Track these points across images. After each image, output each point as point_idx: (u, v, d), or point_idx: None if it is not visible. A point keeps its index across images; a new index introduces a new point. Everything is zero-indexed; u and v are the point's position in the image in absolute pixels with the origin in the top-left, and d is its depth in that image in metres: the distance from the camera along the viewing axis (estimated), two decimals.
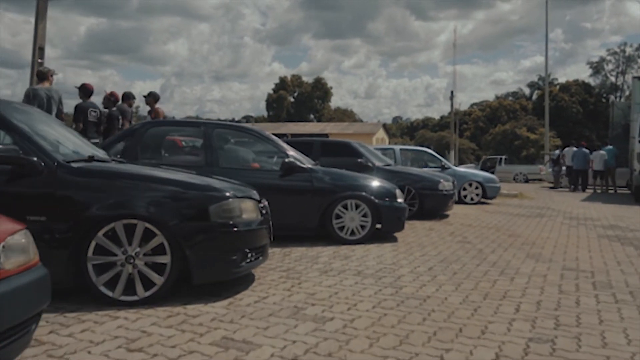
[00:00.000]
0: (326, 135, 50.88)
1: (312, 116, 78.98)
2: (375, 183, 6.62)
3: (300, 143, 10.63)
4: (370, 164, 9.27)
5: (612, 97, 60.10)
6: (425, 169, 11.40)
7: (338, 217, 6.30)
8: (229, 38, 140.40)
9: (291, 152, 6.45)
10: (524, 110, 64.54)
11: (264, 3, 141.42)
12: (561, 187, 20.31)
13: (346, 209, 6.31)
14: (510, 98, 72.90)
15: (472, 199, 12.64)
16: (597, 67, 64.72)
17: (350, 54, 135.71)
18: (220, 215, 3.77)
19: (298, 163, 6.23)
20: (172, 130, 6.91)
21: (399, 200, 6.63)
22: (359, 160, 9.24)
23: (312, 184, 6.28)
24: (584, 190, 18.59)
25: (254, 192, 4.47)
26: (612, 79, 64.70)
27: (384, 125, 61.40)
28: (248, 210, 4.01)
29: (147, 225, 3.54)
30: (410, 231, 7.51)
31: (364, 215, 6.35)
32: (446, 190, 9.27)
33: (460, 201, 12.48)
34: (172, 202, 3.68)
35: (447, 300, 3.89)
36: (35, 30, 9.94)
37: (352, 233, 6.33)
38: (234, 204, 3.86)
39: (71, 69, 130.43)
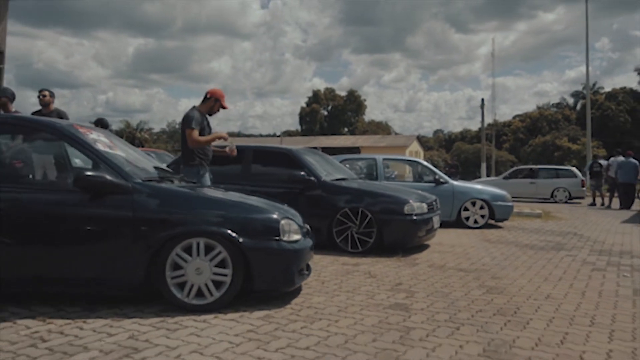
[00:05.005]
0: (358, 149, 48.26)
1: (345, 129, 76.46)
2: (247, 213, 4.02)
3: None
4: (312, 178, 6.74)
5: None
6: (386, 184, 8.53)
7: (176, 267, 3.76)
8: (271, 55, 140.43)
9: (111, 159, 3.95)
10: (567, 121, 60.20)
11: (305, 20, 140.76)
12: (594, 204, 17.14)
13: (190, 253, 3.76)
14: (554, 109, 68.21)
15: (475, 222, 9.81)
16: None
17: (390, 68, 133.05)
18: None
19: (106, 177, 3.73)
20: None
21: (289, 237, 4.02)
22: (301, 173, 6.75)
23: (133, 212, 3.76)
24: (628, 208, 15.37)
25: None
26: None
27: (418, 138, 58.48)
28: None
29: None
30: (333, 278, 4.88)
31: (221, 264, 3.78)
32: (416, 215, 6.55)
33: (461, 224, 9.70)
34: None
35: None
36: None
37: (200, 294, 3.77)
38: None
39: (121, 88, 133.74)
